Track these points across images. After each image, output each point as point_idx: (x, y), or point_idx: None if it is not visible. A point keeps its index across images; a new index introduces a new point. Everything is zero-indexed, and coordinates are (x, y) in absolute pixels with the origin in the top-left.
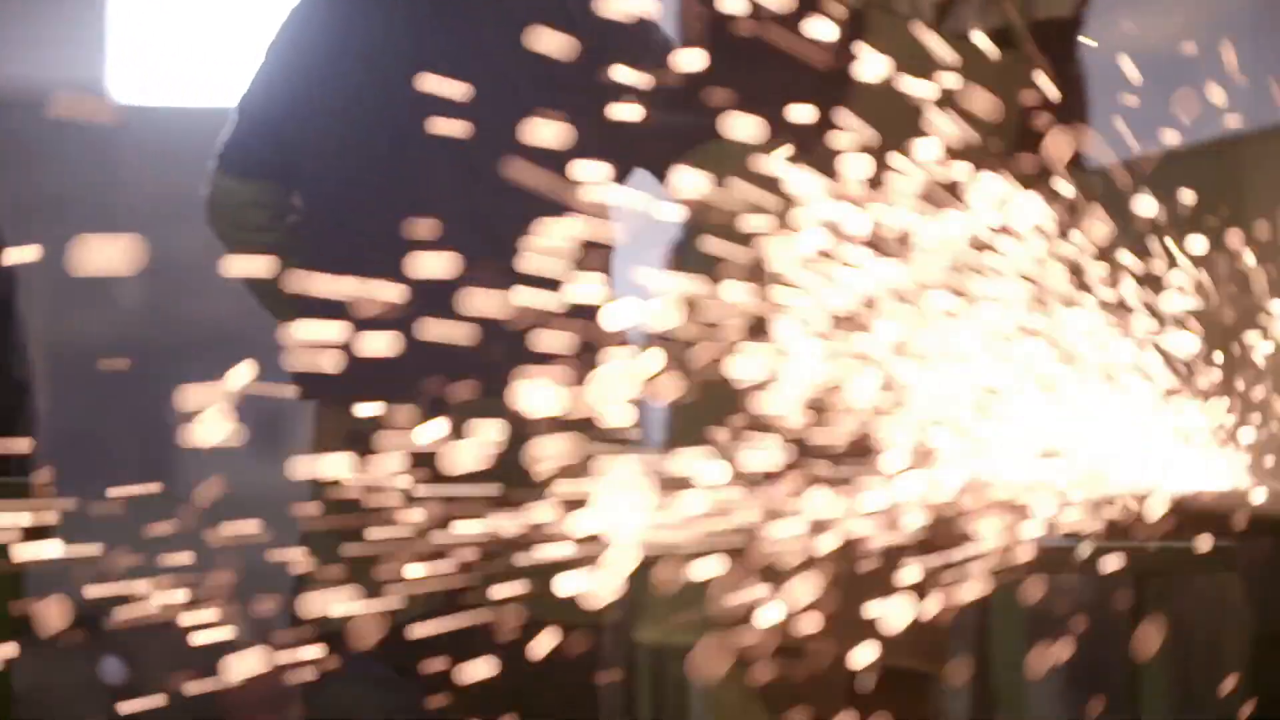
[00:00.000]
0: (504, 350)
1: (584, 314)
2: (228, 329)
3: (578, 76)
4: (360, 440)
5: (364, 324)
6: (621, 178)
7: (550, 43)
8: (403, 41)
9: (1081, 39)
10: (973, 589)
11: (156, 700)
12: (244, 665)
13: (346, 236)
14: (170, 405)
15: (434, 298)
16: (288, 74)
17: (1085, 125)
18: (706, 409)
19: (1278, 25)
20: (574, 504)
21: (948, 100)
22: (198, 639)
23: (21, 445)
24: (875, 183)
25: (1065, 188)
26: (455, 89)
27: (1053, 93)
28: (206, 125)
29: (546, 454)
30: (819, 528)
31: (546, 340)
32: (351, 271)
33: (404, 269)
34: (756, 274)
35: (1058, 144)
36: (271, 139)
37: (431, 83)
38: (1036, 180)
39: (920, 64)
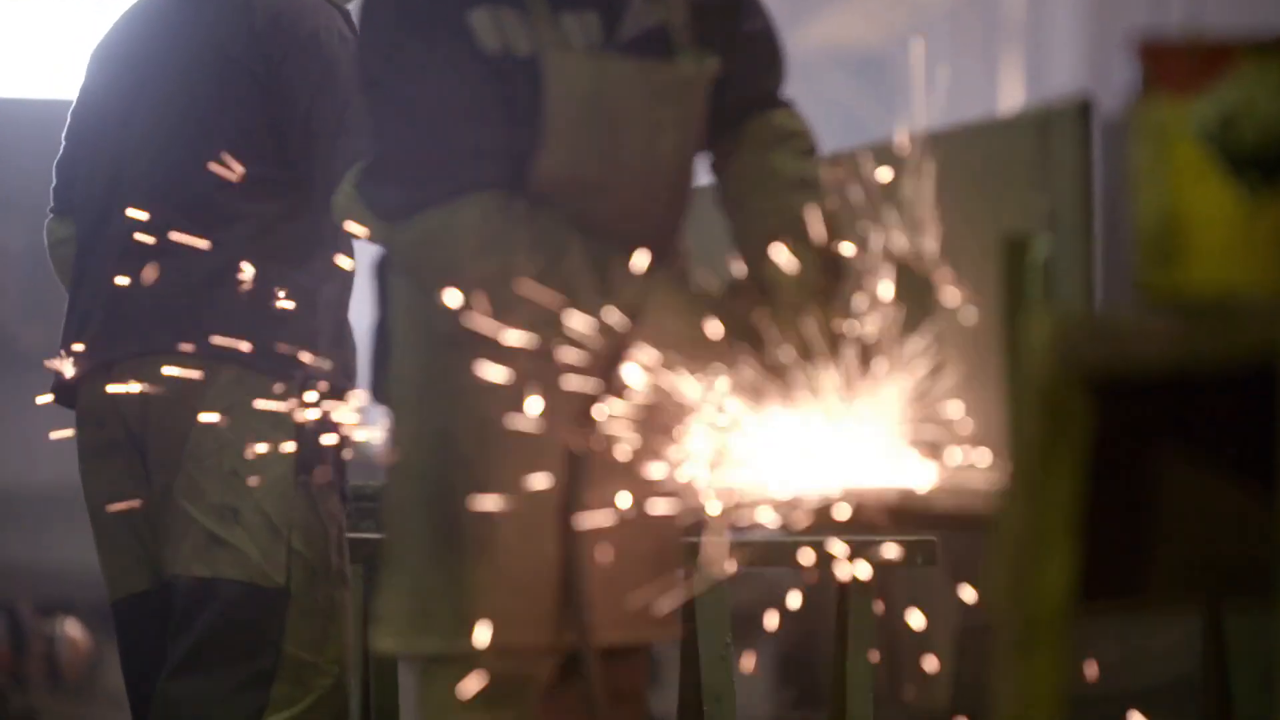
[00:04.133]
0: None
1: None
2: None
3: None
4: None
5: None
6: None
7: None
8: (116, 78)
9: (748, 11)
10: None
11: None
12: None
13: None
14: None
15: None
16: (69, 119)
17: (779, 75)
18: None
19: (973, 25)
20: None
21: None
22: None
23: None
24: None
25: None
26: (148, 126)
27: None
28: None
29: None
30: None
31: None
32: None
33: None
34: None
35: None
36: (62, 179)
37: (137, 120)
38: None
39: (611, 90)
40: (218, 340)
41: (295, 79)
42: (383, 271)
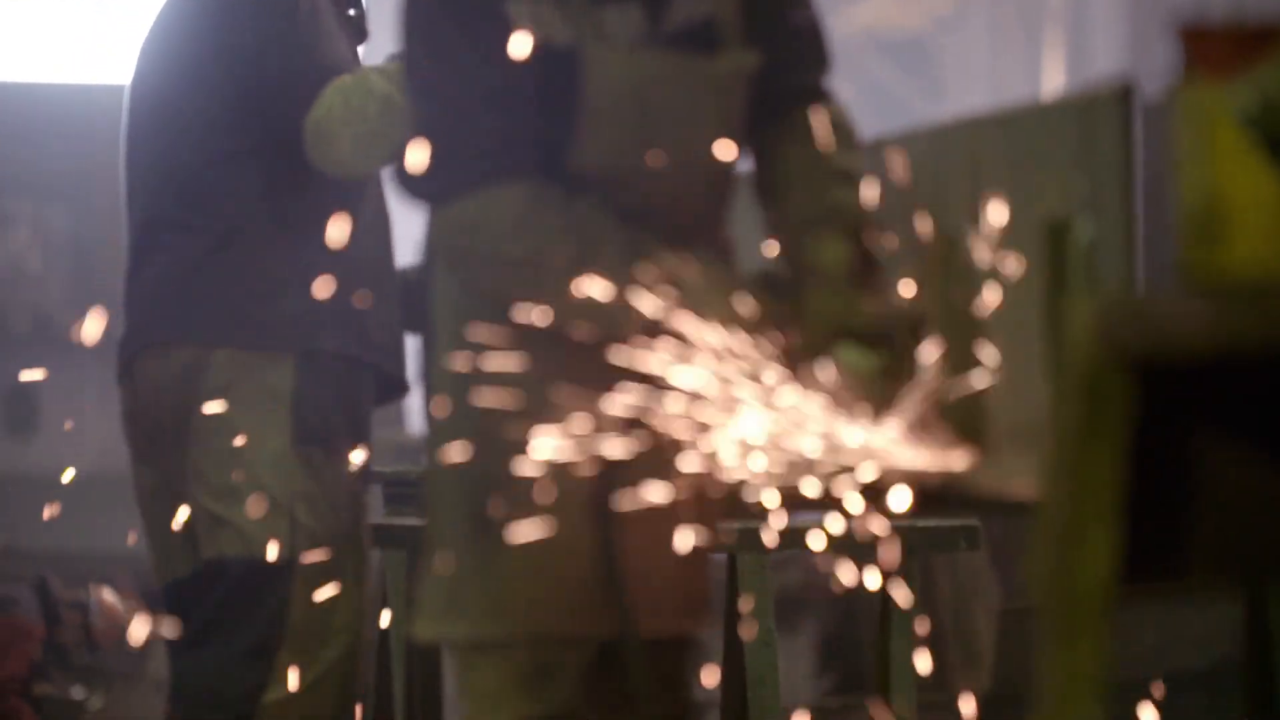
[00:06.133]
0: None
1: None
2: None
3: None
4: None
5: None
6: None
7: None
8: (138, 70)
9: (796, 3)
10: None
11: None
12: None
13: None
14: None
15: None
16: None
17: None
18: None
19: (1014, 9)
20: None
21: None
22: None
23: None
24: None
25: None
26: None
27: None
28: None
29: None
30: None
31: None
32: None
33: None
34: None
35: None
36: None
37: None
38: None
39: (649, 84)
40: (211, 321)
41: (241, 43)
42: (427, 257)
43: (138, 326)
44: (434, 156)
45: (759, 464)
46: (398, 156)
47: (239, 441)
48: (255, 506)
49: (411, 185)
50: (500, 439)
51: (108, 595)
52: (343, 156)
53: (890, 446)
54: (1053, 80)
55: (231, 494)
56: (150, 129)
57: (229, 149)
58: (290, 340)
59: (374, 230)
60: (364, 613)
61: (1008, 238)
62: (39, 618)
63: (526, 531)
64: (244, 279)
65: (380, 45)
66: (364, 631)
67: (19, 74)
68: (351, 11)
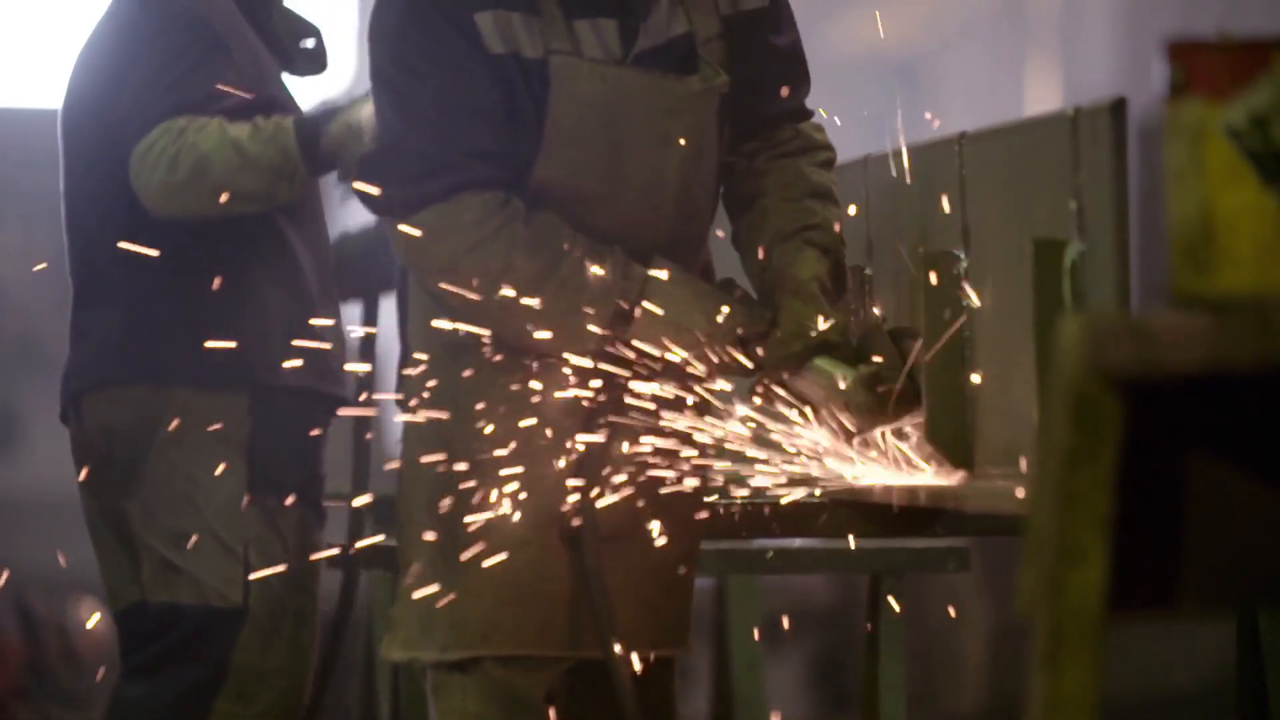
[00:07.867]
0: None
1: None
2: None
3: None
4: None
5: None
6: None
7: None
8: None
9: (779, 26)
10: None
11: None
12: None
13: None
14: None
15: None
16: None
17: (805, 88)
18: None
19: (1007, 31)
20: None
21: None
22: None
23: None
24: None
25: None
26: None
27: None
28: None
29: None
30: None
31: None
32: None
33: None
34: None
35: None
36: None
37: None
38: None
39: (618, 101)
40: (158, 364)
41: (116, 75)
42: (402, 274)
43: (85, 364)
44: (400, 170)
45: (739, 481)
46: (209, 211)
47: (193, 488)
48: (209, 553)
49: (375, 199)
50: (470, 455)
51: (88, 612)
52: (148, 196)
53: (874, 462)
54: (1047, 103)
55: (186, 540)
56: (84, 159)
57: None
58: (244, 378)
59: (317, 257)
60: (307, 655)
61: (998, 254)
62: (19, 637)
63: (495, 552)
64: (193, 316)
65: (341, 77)
66: (304, 677)
67: (6, 99)
68: (309, 43)
